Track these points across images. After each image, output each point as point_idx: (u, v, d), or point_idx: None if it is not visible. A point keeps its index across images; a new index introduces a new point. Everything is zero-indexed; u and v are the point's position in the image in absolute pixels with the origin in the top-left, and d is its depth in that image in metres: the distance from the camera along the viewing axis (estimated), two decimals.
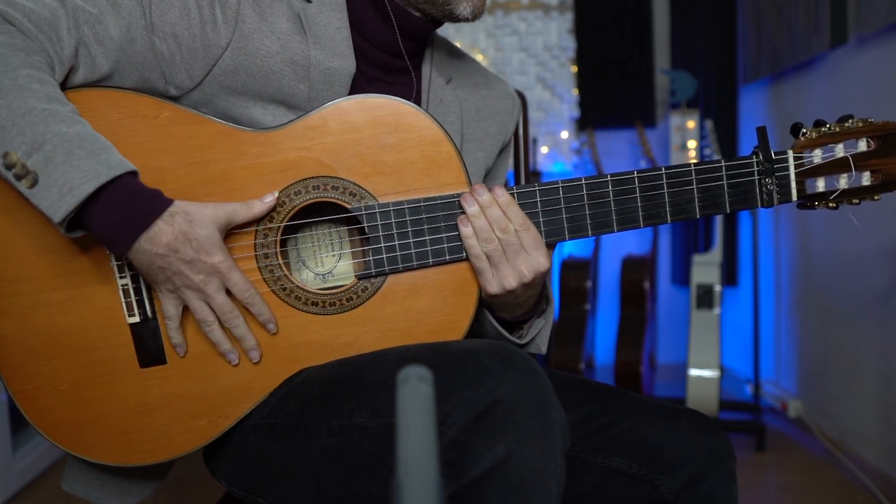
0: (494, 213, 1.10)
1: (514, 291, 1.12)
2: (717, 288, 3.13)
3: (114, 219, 1.01)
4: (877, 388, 2.61)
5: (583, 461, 1.16)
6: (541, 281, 1.15)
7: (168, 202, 1.04)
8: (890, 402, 2.52)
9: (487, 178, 1.34)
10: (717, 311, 3.11)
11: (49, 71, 1.05)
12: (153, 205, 1.03)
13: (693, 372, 3.02)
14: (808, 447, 3.00)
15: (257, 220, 1.10)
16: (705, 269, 3.15)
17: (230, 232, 1.10)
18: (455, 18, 1.17)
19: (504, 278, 1.11)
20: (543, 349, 1.25)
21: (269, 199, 1.09)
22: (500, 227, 1.10)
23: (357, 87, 1.18)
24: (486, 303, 1.18)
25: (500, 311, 1.19)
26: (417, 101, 1.25)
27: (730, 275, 3.76)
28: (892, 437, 2.51)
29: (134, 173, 1.03)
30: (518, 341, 1.21)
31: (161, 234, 1.02)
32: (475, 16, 1.17)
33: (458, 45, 1.40)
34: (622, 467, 1.15)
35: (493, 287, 1.11)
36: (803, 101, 3.11)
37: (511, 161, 1.45)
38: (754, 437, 3.01)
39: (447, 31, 1.32)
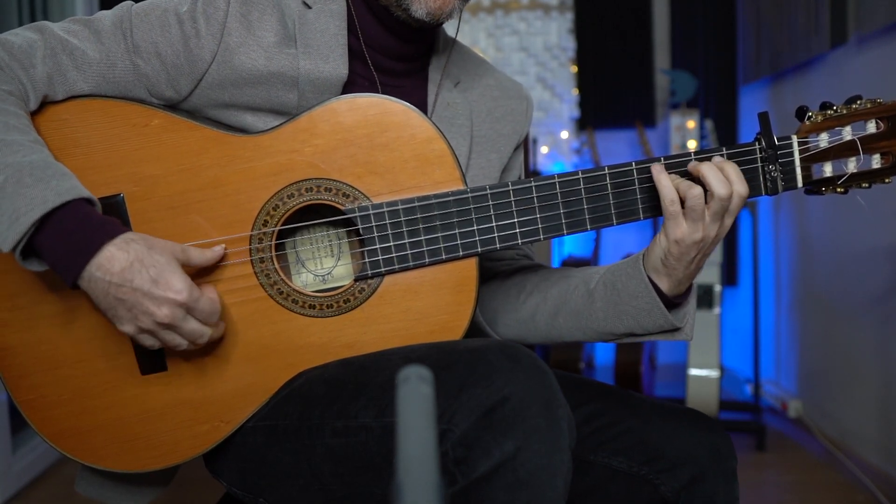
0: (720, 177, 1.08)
1: (696, 243, 1.09)
2: (717, 288, 3.13)
3: (63, 246, 0.98)
4: (877, 388, 2.61)
5: (584, 461, 1.16)
6: (717, 244, 1.12)
7: (123, 229, 1.01)
8: (890, 402, 2.52)
9: (503, 174, 1.34)
10: (716, 310, 3.11)
11: (18, 99, 1.05)
12: (104, 231, 0.99)
13: (693, 372, 3.02)
14: (808, 447, 3.00)
15: (252, 226, 1.10)
16: (705, 268, 3.13)
17: (227, 236, 1.10)
18: (415, 19, 1.13)
19: (694, 231, 1.08)
20: (691, 335, 1.19)
21: (218, 250, 1.08)
22: (722, 194, 1.07)
23: (357, 91, 1.16)
24: (649, 270, 1.14)
25: (667, 276, 1.13)
26: (423, 105, 1.24)
27: (729, 275, 3.76)
28: (892, 437, 2.51)
29: (89, 201, 1.01)
30: (678, 324, 1.16)
31: (113, 261, 0.98)
32: (432, 17, 1.13)
33: None
34: (623, 467, 1.15)
35: (676, 233, 1.08)
36: (803, 101, 3.11)
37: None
38: (754, 437, 3.01)
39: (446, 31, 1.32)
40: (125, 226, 1.07)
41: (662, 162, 1.12)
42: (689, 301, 1.18)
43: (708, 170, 1.09)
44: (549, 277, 1.27)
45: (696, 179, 1.10)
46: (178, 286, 0.99)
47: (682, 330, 1.17)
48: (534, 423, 0.92)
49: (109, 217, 1.02)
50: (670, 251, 1.10)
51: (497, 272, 1.33)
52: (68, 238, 0.98)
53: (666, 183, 1.09)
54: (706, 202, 1.08)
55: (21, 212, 0.96)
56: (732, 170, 1.09)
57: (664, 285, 1.14)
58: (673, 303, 1.16)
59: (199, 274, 1.09)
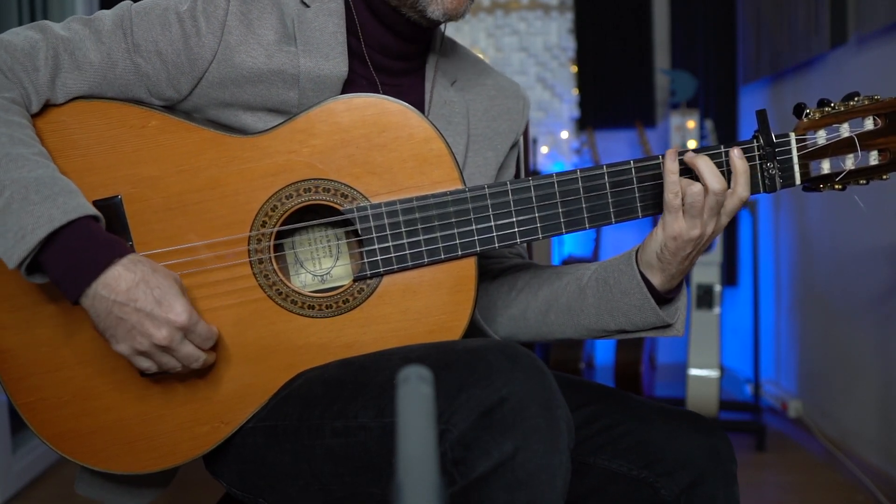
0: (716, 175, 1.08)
1: (693, 240, 1.09)
2: (717, 288, 3.13)
3: (67, 263, 0.99)
4: (877, 388, 2.61)
5: (583, 463, 1.15)
6: (711, 241, 1.13)
7: (129, 250, 1.02)
8: (890, 402, 2.52)
9: (499, 173, 1.34)
10: (716, 310, 3.11)
11: (21, 107, 1.06)
12: (110, 251, 1.00)
13: (693, 372, 3.02)
14: (808, 447, 2.99)
15: (251, 226, 1.10)
16: (705, 268, 3.15)
17: (225, 237, 1.09)
18: (429, 20, 1.14)
19: (692, 228, 1.09)
20: (683, 331, 1.19)
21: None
22: (716, 188, 1.08)
23: (356, 90, 1.17)
24: (642, 265, 1.14)
25: (661, 271, 1.13)
26: (420, 102, 1.24)
27: (730, 275, 3.76)
28: (892, 437, 2.51)
29: (95, 218, 1.02)
30: (669, 321, 1.16)
31: (120, 280, 0.99)
32: (448, 17, 1.13)
33: None
34: (623, 470, 1.15)
35: (675, 228, 1.09)
36: (803, 101, 3.11)
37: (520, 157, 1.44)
38: (754, 437, 3.01)
39: (447, 31, 1.32)
40: (124, 230, 1.08)
41: (675, 148, 1.11)
42: (680, 297, 1.18)
43: (703, 163, 1.09)
44: (541, 274, 1.27)
45: (694, 175, 1.10)
46: (179, 308, 1.01)
47: (673, 326, 1.17)
48: (533, 423, 0.92)
49: (115, 236, 1.04)
50: (666, 246, 1.11)
51: (488, 269, 1.33)
52: (74, 256, 0.99)
53: (674, 168, 1.09)
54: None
55: (27, 229, 0.97)
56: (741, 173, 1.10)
57: (657, 280, 1.14)
58: (665, 298, 1.16)
59: (199, 276, 1.09)
